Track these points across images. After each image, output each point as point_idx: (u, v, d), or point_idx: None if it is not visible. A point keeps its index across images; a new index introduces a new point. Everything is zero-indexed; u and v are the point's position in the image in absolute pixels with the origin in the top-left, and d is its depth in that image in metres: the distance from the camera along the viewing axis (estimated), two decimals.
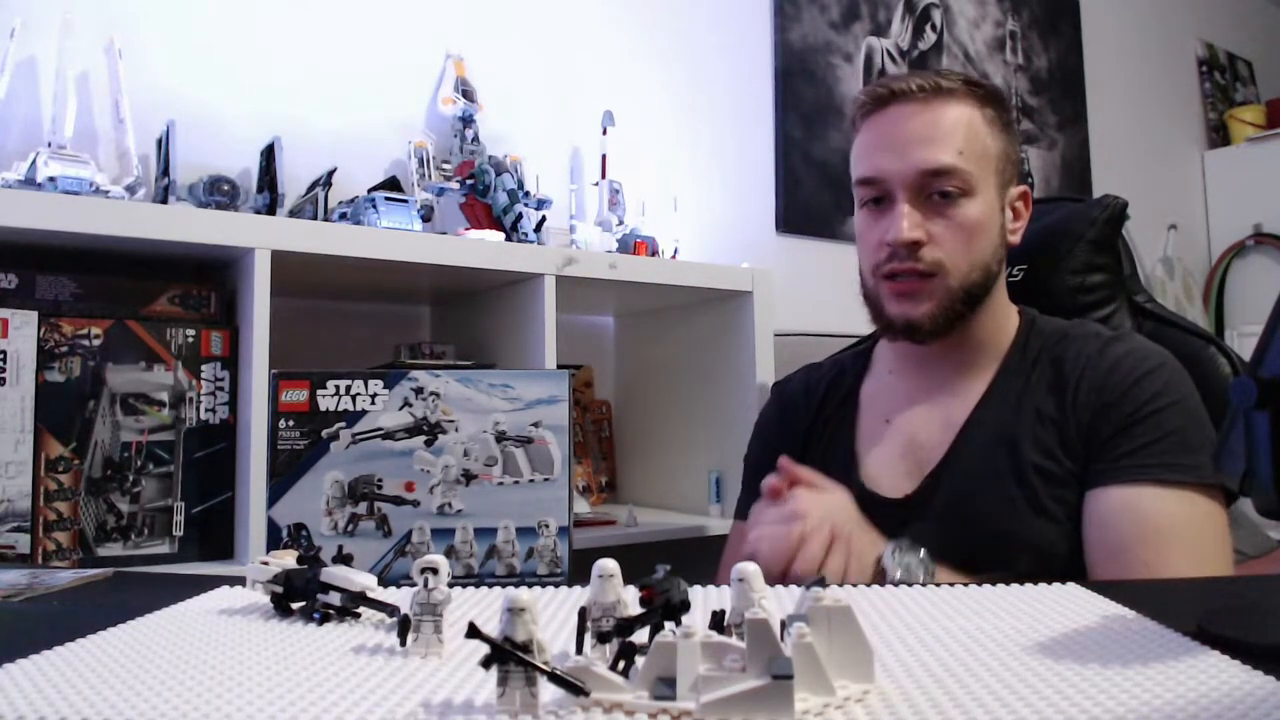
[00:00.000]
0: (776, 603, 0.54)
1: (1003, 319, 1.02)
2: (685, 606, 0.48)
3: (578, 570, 0.75)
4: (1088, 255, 1.14)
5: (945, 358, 1.01)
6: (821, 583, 0.47)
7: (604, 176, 1.87)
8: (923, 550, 0.84)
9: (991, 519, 0.92)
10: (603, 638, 0.49)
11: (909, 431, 1.01)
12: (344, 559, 0.78)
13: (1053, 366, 0.96)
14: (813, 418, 1.11)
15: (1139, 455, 0.88)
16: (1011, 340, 1.01)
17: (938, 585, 0.76)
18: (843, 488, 0.91)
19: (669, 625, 0.47)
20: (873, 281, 1.00)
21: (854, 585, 0.84)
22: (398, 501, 0.80)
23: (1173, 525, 0.86)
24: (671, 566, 0.50)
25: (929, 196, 0.94)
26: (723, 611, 0.50)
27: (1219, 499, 0.89)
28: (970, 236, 0.95)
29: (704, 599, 0.66)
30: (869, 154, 0.98)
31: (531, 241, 1.57)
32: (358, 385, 0.82)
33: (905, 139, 0.95)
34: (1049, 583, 0.69)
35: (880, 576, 0.84)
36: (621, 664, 0.45)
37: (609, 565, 0.50)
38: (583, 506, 1.73)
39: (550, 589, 0.72)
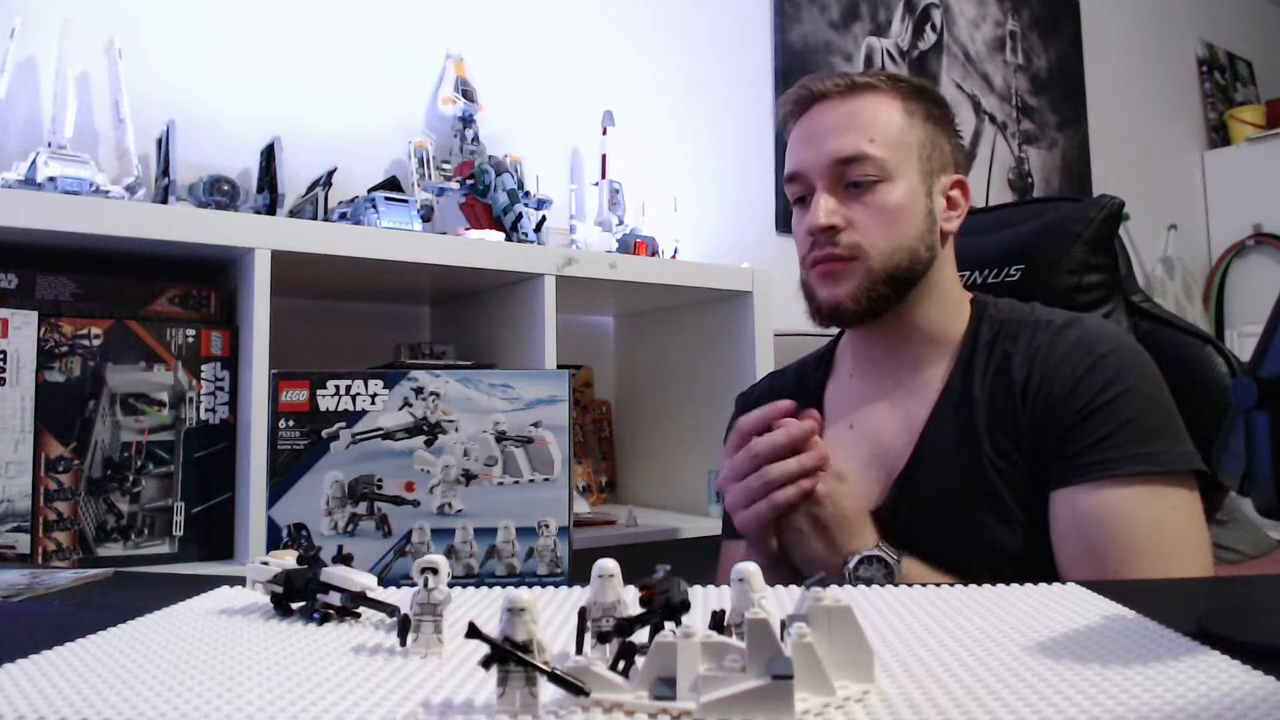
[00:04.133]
0: (776, 603, 0.54)
1: (952, 308, 1.01)
2: (685, 606, 0.48)
3: (578, 570, 0.75)
4: (1084, 255, 1.13)
5: (899, 354, 1.01)
6: (822, 582, 0.47)
7: (604, 176, 1.87)
8: (892, 563, 0.85)
9: (957, 528, 0.91)
10: (603, 638, 0.49)
11: (873, 436, 1.01)
12: (344, 559, 0.78)
13: (1003, 360, 0.96)
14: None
15: (1095, 451, 0.87)
16: (964, 331, 1.01)
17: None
18: (849, 481, 0.92)
19: (669, 625, 0.47)
20: (805, 272, 1.02)
21: (812, 559, 0.88)
22: (398, 501, 0.80)
23: (1137, 525, 0.85)
24: (671, 566, 0.50)
25: (846, 185, 0.97)
26: (723, 611, 0.50)
27: (1186, 482, 0.87)
28: (890, 220, 0.96)
29: (704, 599, 0.66)
30: (792, 153, 1.02)
31: (531, 241, 1.57)
32: (358, 385, 0.82)
33: (821, 132, 0.98)
34: (1049, 583, 0.69)
35: (842, 572, 0.86)
36: (621, 664, 0.45)
37: (609, 565, 0.50)
38: (583, 506, 1.73)
39: (550, 589, 0.72)
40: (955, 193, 1.02)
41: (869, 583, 0.83)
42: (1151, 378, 0.92)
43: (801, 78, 1.04)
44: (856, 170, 0.96)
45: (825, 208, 0.96)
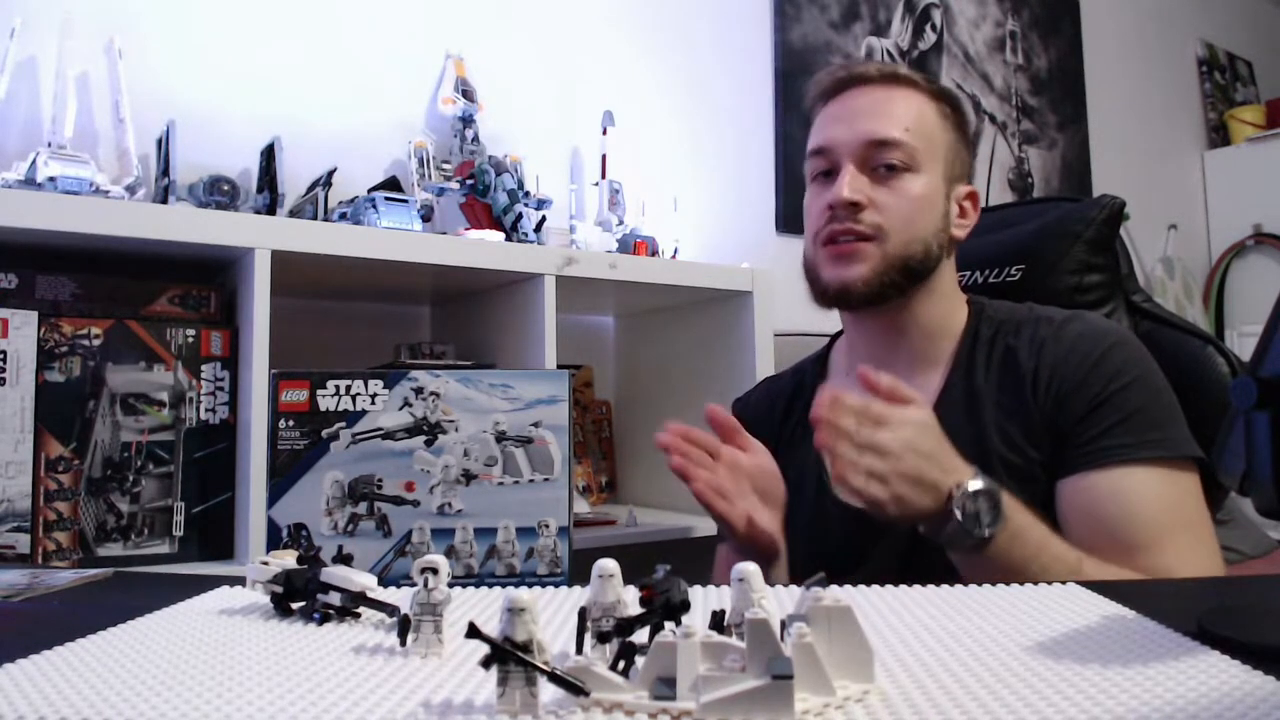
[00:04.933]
0: (776, 603, 0.54)
1: (951, 308, 1.02)
2: (685, 606, 0.48)
3: (578, 570, 0.75)
4: (1085, 255, 1.14)
5: (897, 352, 1.02)
6: (822, 582, 0.47)
7: (604, 176, 1.87)
8: (1000, 498, 0.79)
9: None
10: (603, 638, 0.49)
11: None
12: (344, 559, 0.78)
13: (1007, 355, 0.96)
14: (778, 430, 1.10)
15: (1108, 437, 0.89)
16: (962, 330, 1.01)
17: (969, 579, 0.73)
18: (923, 403, 0.84)
19: (669, 625, 0.47)
20: (813, 250, 1.02)
21: (923, 514, 0.80)
22: (398, 501, 0.80)
23: (1155, 502, 0.87)
24: (671, 566, 0.50)
25: (875, 168, 0.97)
26: (723, 611, 0.50)
27: (1191, 469, 0.89)
28: (913, 208, 0.97)
29: (704, 599, 0.66)
30: (821, 128, 1.03)
31: (531, 241, 1.57)
32: (358, 385, 0.82)
33: (856, 113, 0.99)
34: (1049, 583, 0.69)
35: (947, 511, 0.79)
36: (621, 664, 0.45)
37: (609, 565, 0.50)
38: (583, 506, 1.73)
39: (550, 589, 0.72)
40: (967, 203, 1.04)
41: (976, 516, 0.78)
42: (1155, 369, 0.94)
43: (815, 72, 1.05)
44: (887, 154, 0.97)
45: (853, 183, 0.96)
